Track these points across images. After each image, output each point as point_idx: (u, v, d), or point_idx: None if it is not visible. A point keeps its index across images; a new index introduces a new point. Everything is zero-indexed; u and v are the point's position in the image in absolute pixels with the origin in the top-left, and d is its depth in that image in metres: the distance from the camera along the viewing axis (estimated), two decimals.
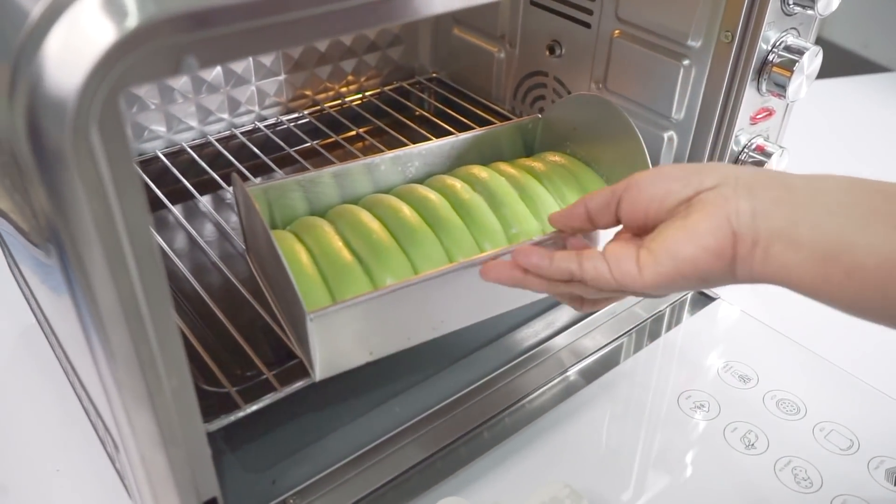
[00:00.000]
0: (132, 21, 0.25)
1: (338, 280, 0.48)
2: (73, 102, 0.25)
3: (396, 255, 0.49)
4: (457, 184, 0.56)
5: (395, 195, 0.55)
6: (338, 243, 0.50)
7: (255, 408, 0.44)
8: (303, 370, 0.47)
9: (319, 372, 0.46)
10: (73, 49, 0.25)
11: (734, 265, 0.35)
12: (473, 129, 0.65)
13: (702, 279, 0.36)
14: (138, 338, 0.31)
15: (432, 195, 0.54)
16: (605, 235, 0.45)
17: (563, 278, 0.40)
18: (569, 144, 0.61)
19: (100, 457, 0.51)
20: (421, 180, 0.59)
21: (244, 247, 0.57)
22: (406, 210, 0.53)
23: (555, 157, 0.60)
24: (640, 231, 0.40)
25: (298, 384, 0.46)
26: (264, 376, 0.47)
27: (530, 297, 0.50)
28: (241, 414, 0.44)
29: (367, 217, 0.52)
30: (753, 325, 0.62)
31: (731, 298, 0.65)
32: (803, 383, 0.57)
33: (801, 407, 0.54)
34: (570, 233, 0.46)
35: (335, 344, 0.45)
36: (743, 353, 0.59)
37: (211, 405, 0.46)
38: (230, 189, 0.65)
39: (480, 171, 0.57)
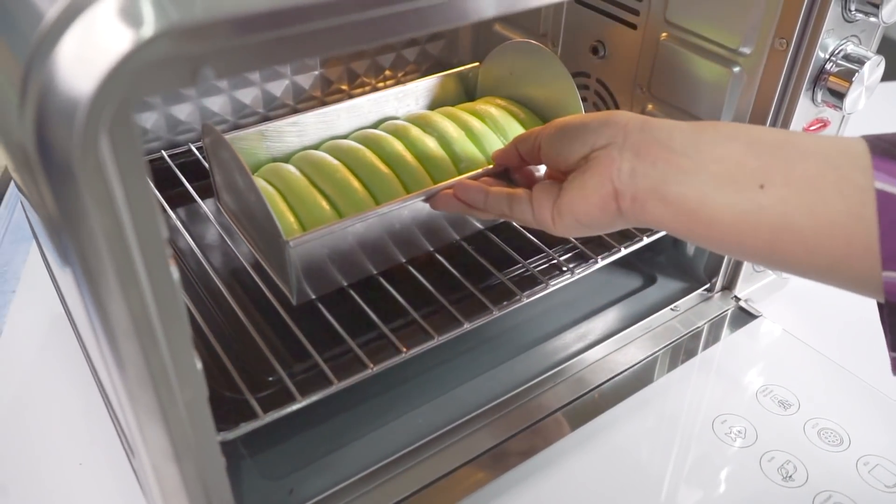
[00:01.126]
0: (148, 29, 0.24)
1: (307, 214, 0.53)
2: (82, 111, 0.24)
3: (358, 190, 0.55)
4: (409, 126, 0.61)
5: (352, 139, 0.60)
6: (304, 182, 0.55)
7: (272, 417, 0.43)
8: (325, 380, 0.46)
9: (297, 296, 0.51)
10: (86, 55, 0.24)
11: (620, 214, 0.41)
12: None
13: (600, 226, 0.43)
14: (150, 352, 0.30)
15: (387, 136, 0.60)
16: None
17: (497, 214, 0.49)
18: (506, 88, 0.67)
19: (119, 453, 0.51)
20: (373, 126, 0.64)
21: (216, 196, 0.60)
22: (364, 151, 0.58)
23: (495, 100, 0.66)
24: (560, 173, 0.46)
25: (320, 394, 0.45)
26: (286, 383, 0.46)
27: (482, 224, 0.59)
28: (257, 424, 0.43)
29: (329, 159, 0.57)
30: (796, 346, 0.60)
31: (774, 316, 0.62)
32: (848, 412, 0.54)
33: (844, 438, 0.52)
34: (512, 168, 0.54)
35: (312, 269, 0.50)
36: (784, 376, 0.57)
37: (230, 411, 0.45)
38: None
39: (429, 114, 0.63)
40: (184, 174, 0.64)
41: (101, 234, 0.26)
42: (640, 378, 0.56)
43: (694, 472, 0.49)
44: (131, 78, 0.24)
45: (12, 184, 0.85)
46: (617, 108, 0.67)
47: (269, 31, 0.26)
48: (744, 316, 0.62)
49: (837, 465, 0.50)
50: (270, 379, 0.50)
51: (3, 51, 0.28)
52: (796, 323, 0.62)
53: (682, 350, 0.58)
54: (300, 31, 0.26)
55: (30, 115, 0.25)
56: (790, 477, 0.49)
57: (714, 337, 0.60)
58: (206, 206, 0.62)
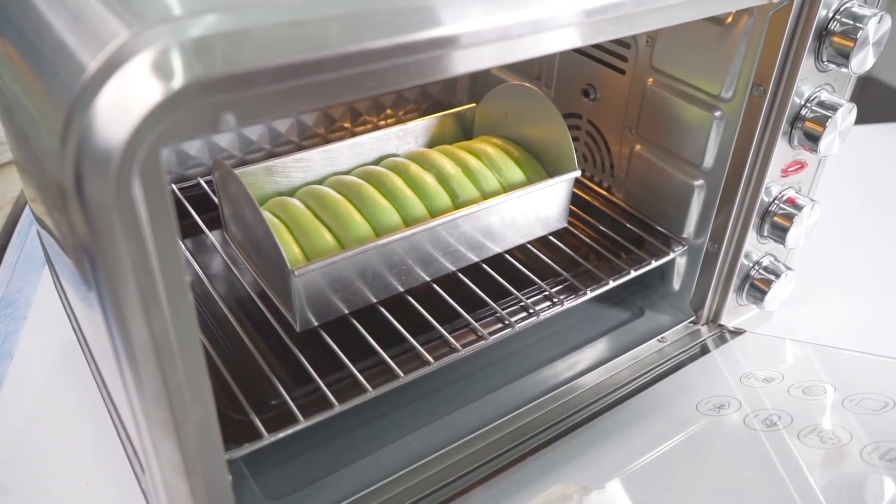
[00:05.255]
0: (177, 82, 0.27)
1: (311, 245, 0.56)
2: (118, 153, 0.27)
3: (360, 223, 0.58)
4: (408, 162, 0.64)
5: (354, 175, 0.64)
6: (308, 215, 0.58)
7: (275, 438, 0.46)
8: (326, 403, 0.48)
9: (300, 323, 0.54)
10: (122, 106, 0.27)
11: None
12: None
13: None
14: (167, 371, 0.32)
15: (388, 172, 0.63)
16: None
17: None
18: (501, 128, 0.71)
19: (127, 474, 0.53)
20: (375, 163, 0.67)
21: (223, 228, 0.63)
22: (366, 186, 0.61)
23: (491, 139, 0.69)
24: None
25: (321, 416, 0.48)
26: (289, 406, 0.49)
27: (477, 256, 0.62)
28: (262, 444, 0.45)
29: (332, 193, 0.60)
30: (778, 342, 0.63)
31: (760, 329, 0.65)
32: (828, 371, 0.56)
33: (828, 389, 0.54)
34: None
35: (315, 297, 0.53)
36: (767, 362, 0.59)
37: (235, 432, 0.48)
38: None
39: (428, 152, 0.66)
40: (192, 206, 0.67)
41: (129, 262, 0.29)
42: (625, 396, 0.58)
43: (682, 445, 0.51)
44: (161, 125, 0.27)
45: (24, 214, 0.88)
46: (607, 147, 0.71)
47: (284, 82, 0.29)
48: (729, 335, 0.65)
49: (824, 408, 0.51)
50: (274, 402, 0.52)
51: (42, 95, 0.32)
52: (781, 331, 0.65)
53: (669, 370, 0.61)
54: (312, 81, 0.30)
55: (70, 154, 0.28)
56: (774, 424, 0.50)
57: (699, 354, 0.62)
58: (213, 237, 0.64)
